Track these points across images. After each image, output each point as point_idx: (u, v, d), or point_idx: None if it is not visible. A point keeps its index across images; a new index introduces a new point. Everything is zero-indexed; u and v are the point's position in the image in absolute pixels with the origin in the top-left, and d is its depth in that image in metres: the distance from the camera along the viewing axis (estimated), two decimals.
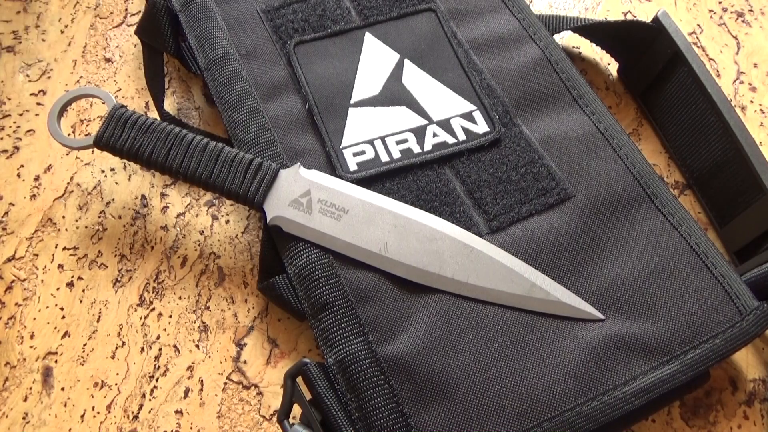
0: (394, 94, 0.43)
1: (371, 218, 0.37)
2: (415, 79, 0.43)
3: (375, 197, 0.38)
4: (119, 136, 0.40)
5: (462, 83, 0.43)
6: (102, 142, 0.40)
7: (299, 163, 0.39)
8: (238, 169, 0.38)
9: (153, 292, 0.42)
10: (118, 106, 0.41)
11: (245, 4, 0.47)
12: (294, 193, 0.38)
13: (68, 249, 0.43)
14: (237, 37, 0.45)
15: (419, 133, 0.41)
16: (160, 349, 0.40)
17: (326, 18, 0.46)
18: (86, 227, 0.44)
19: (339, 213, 0.37)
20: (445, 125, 0.41)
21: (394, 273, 0.36)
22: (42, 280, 0.42)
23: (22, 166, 0.47)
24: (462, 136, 0.41)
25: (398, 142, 0.41)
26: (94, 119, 0.49)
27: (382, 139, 0.41)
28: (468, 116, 0.42)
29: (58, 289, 0.42)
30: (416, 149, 0.40)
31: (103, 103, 0.48)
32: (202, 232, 0.44)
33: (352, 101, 0.42)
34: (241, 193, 0.38)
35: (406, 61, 0.44)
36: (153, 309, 0.41)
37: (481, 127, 0.41)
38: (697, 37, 0.52)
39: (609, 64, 0.51)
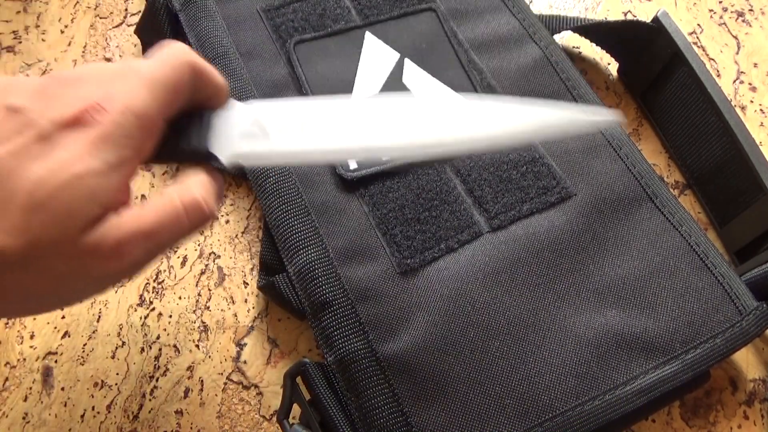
0: (394, 93, 0.43)
1: (337, 116, 0.29)
2: (416, 78, 0.43)
3: (332, 99, 0.30)
4: None
5: (462, 82, 0.43)
6: None
7: (231, 99, 0.30)
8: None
9: (153, 292, 0.42)
10: None
11: (245, 3, 0.47)
12: (240, 126, 0.30)
13: None
14: (237, 36, 0.45)
15: None
16: (160, 349, 0.40)
17: (326, 17, 0.46)
18: None
19: (299, 124, 0.29)
20: None
21: (387, 157, 0.31)
22: None
23: None
24: None
25: None
26: None
27: None
28: None
29: None
30: None
31: None
32: (202, 232, 0.44)
33: None
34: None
35: (407, 61, 0.44)
36: (153, 309, 0.41)
37: None
38: (697, 37, 0.52)
39: (609, 64, 0.51)
